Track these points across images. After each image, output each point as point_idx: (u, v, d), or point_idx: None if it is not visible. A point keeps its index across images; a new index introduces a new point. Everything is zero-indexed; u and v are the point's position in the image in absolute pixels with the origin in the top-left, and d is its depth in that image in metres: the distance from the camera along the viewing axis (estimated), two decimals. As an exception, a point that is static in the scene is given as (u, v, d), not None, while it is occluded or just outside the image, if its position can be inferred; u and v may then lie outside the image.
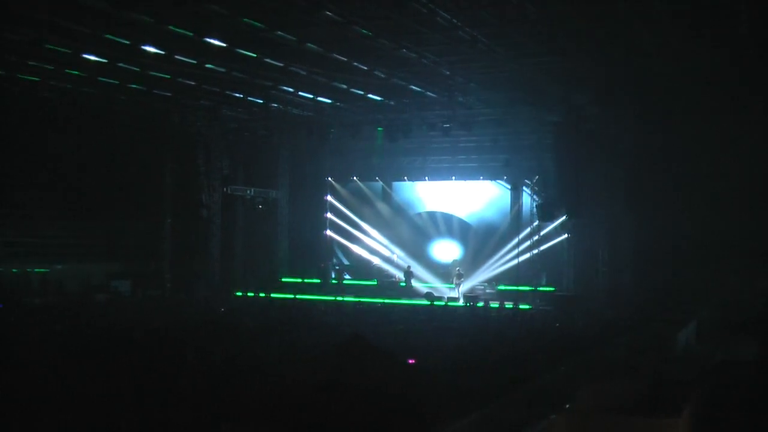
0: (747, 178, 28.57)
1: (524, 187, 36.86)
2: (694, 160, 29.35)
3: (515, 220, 36.45)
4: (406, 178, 40.55)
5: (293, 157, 38.06)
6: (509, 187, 37.13)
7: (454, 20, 20.62)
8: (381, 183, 41.24)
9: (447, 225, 39.75)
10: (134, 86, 28.47)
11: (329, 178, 41.89)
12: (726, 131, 28.58)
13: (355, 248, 41.62)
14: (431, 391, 12.53)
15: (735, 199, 28.37)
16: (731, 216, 28.33)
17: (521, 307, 29.27)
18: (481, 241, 38.03)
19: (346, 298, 31.94)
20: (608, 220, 30.93)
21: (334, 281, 37.62)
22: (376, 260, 40.63)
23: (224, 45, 22.67)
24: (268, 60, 24.56)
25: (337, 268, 39.87)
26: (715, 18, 21.15)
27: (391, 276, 37.64)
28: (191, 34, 21.61)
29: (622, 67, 26.24)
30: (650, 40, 22.84)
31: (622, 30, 22.09)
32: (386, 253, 40.90)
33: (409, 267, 36.55)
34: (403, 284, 35.54)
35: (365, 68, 25.36)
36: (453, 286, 34.83)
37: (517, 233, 35.35)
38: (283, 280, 38.74)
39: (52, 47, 23.16)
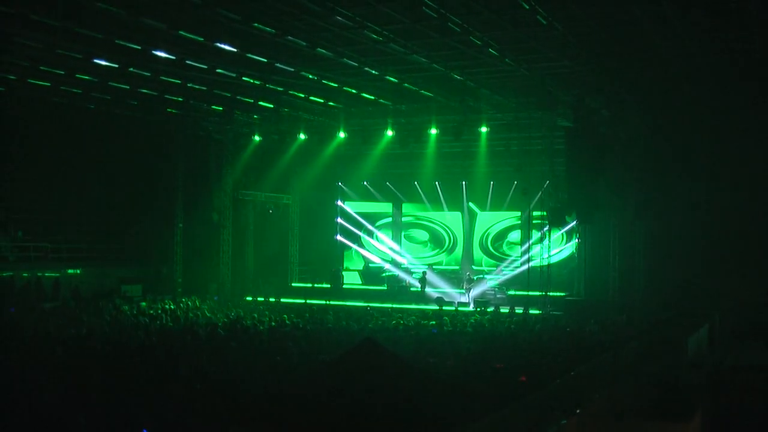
0: (760, 182, 28.50)
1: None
2: (707, 165, 29.28)
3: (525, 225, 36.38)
4: (416, 183, 40.50)
5: (304, 161, 38.08)
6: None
7: (465, 25, 20.61)
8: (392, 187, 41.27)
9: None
10: (145, 91, 28.58)
11: (340, 183, 41.91)
12: (738, 137, 28.52)
13: (366, 253, 41.68)
14: (443, 395, 12.50)
15: (748, 205, 28.29)
16: (744, 221, 28.25)
17: (531, 312, 29.24)
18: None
19: (355, 303, 31.92)
20: (619, 225, 30.87)
21: (344, 285, 37.54)
22: (387, 265, 40.64)
23: (235, 50, 22.73)
24: (279, 65, 24.61)
25: (342, 273, 39.67)
26: (729, 24, 21.11)
27: (402, 281, 37.55)
28: (202, 39, 21.68)
29: (634, 73, 26.20)
30: (663, 45, 22.79)
31: (635, 35, 22.07)
32: (398, 258, 40.93)
33: (424, 273, 36.30)
34: (417, 289, 35.37)
35: (376, 73, 25.38)
36: (463, 291, 34.69)
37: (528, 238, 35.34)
38: (294, 284, 38.77)
39: (63, 52, 23.27)
